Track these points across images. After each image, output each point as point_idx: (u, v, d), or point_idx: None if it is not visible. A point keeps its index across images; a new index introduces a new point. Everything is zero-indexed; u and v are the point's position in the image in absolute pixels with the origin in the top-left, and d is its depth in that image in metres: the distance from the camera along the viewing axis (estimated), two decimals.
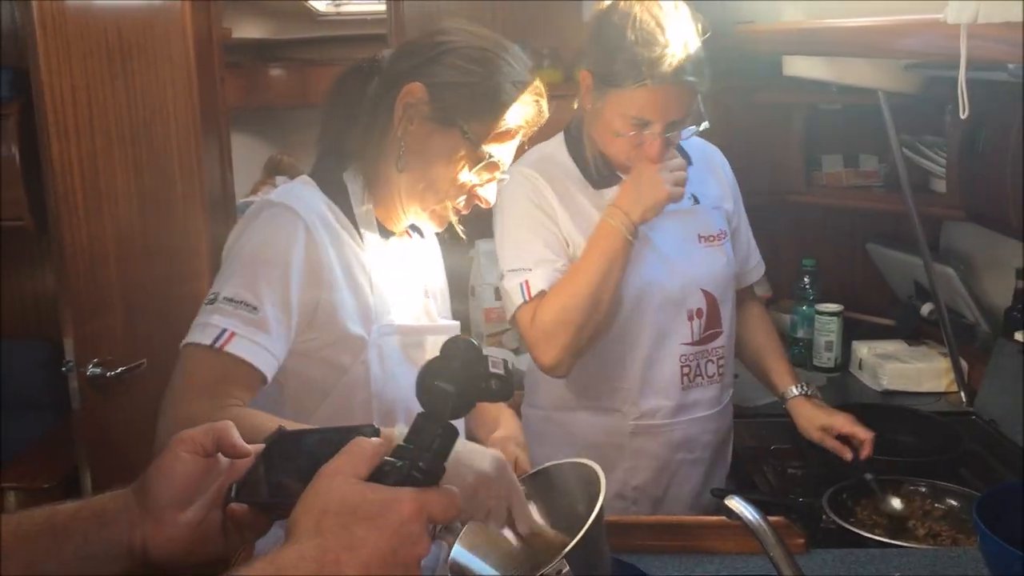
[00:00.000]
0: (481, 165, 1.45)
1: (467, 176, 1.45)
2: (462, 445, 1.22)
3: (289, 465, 0.88)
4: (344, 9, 5.88)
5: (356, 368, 1.44)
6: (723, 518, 1.69)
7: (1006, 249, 2.42)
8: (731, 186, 2.04)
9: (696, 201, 1.94)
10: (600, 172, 1.86)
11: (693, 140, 2.01)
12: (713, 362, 1.92)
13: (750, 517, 1.30)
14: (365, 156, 1.49)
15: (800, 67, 2.17)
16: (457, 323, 1.60)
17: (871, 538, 1.68)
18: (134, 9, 2.52)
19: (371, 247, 1.48)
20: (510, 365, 0.87)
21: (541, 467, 1.37)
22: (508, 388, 0.85)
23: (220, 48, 3.53)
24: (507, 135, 1.46)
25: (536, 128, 1.50)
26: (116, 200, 2.41)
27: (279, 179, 6.20)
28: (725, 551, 1.60)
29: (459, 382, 0.82)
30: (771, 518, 1.30)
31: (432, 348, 1.52)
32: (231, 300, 1.31)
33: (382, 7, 5.71)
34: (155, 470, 0.90)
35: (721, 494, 1.93)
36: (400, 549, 0.75)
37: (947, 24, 1.31)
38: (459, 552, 1.31)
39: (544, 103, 1.48)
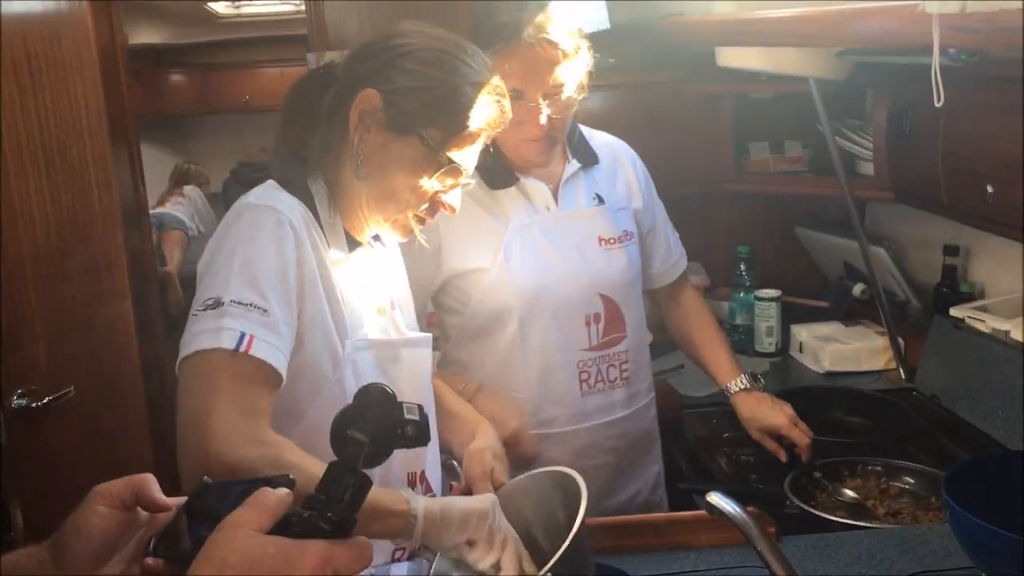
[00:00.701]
0: (442, 172, 1.40)
1: (429, 183, 1.40)
2: (460, 499, 1.25)
3: (212, 518, 0.84)
4: (245, 11, 5.72)
5: (331, 386, 1.39)
6: (693, 513, 1.70)
7: (930, 227, 2.49)
8: (642, 183, 2.01)
9: (600, 201, 1.92)
10: (495, 171, 1.82)
11: (601, 137, 2.01)
12: (616, 367, 1.90)
13: (732, 511, 1.31)
14: (325, 165, 1.44)
15: (734, 58, 2.19)
16: (429, 335, 1.56)
17: (836, 521, 1.71)
18: (38, 18, 2.38)
19: (339, 258, 1.43)
20: (425, 410, 0.87)
21: (519, 477, 1.35)
22: (424, 434, 0.85)
23: (124, 54, 3.40)
24: (468, 139, 1.41)
25: (500, 129, 1.46)
26: (33, 221, 2.28)
27: (187, 188, 6.03)
28: (699, 545, 1.60)
29: (372, 431, 0.81)
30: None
31: (408, 361, 1.49)
32: (239, 303, 1.25)
33: (285, 8, 5.62)
34: (71, 526, 0.87)
35: (691, 490, 1.94)
36: None
37: (891, 11, 1.33)
38: (441, 565, 1.29)
39: (507, 103, 1.44)
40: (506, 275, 1.81)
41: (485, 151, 1.80)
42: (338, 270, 1.41)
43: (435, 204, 1.44)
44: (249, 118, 6.59)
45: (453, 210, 1.45)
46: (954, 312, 2.20)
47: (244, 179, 5.92)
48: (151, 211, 4.72)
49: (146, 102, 6.00)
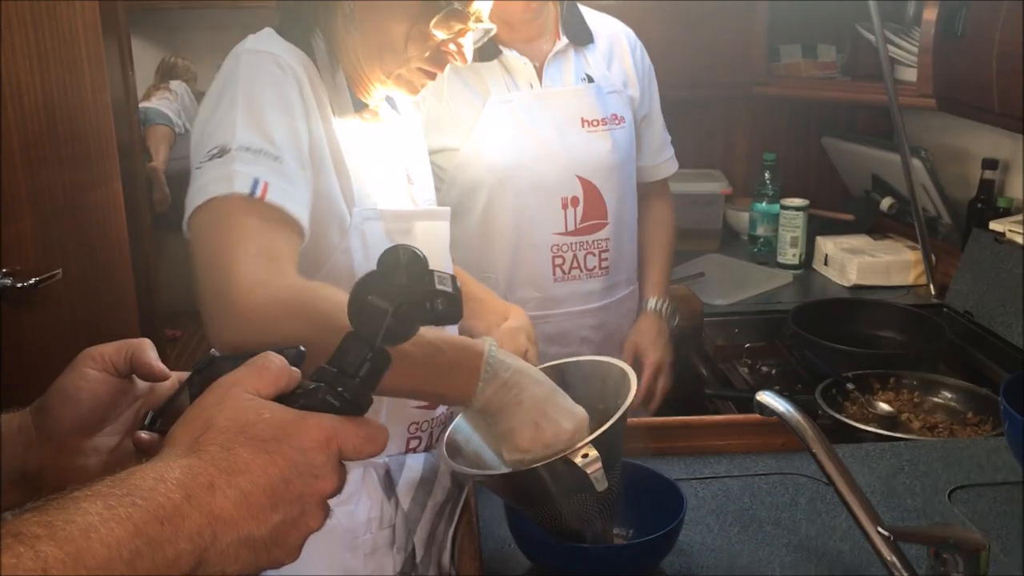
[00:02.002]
0: (443, 15, 1.22)
1: (430, 30, 1.23)
2: (556, 395, 1.07)
3: None
4: None
5: (337, 256, 1.27)
6: (728, 417, 1.62)
7: (965, 139, 2.39)
8: (640, 72, 1.90)
9: (589, 80, 1.81)
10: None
11: (604, 19, 1.90)
12: (595, 255, 1.81)
13: (785, 411, 1.22)
14: (322, 17, 1.29)
15: None
16: (447, 208, 1.43)
17: (872, 432, 1.63)
18: None
19: (345, 120, 1.29)
20: (459, 283, 0.75)
21: (559, 361, 1.24)
22: (456, 309, 0.73)
23: None
24: None
25: None
26: (20, 92, 2.13)
27: (173, 83, 5.81)
28: (731, 451, 1.52)
29: (397, 300, 0.69)
30: None
31: (422, 235, 1.36)
32: (248, 148, 1.11)
33: None
34: (57, 389, 0.77)
35: (717, 396, 1.86)
36: (295, 481, 0.61)
37: None
38: (461, 426, 1.17)
39: None
40: (478, 151, 1.72)
41: None
42: (344, 132, 1.27)
43: (442, 54, 1.27)
44: (238, 13, 6.34)
45: (465, 60, 1.29)
46: (994, 225, 2.10)
47: None
48: (139, 105, 4.55)
49: None
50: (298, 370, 0.68)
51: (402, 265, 0.71)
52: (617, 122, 1.82)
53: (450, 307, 0.73)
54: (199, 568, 0.57)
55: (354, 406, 0.67)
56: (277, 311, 1.01)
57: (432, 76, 1.30)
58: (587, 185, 1.78)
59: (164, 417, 0.76)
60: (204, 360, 0.76)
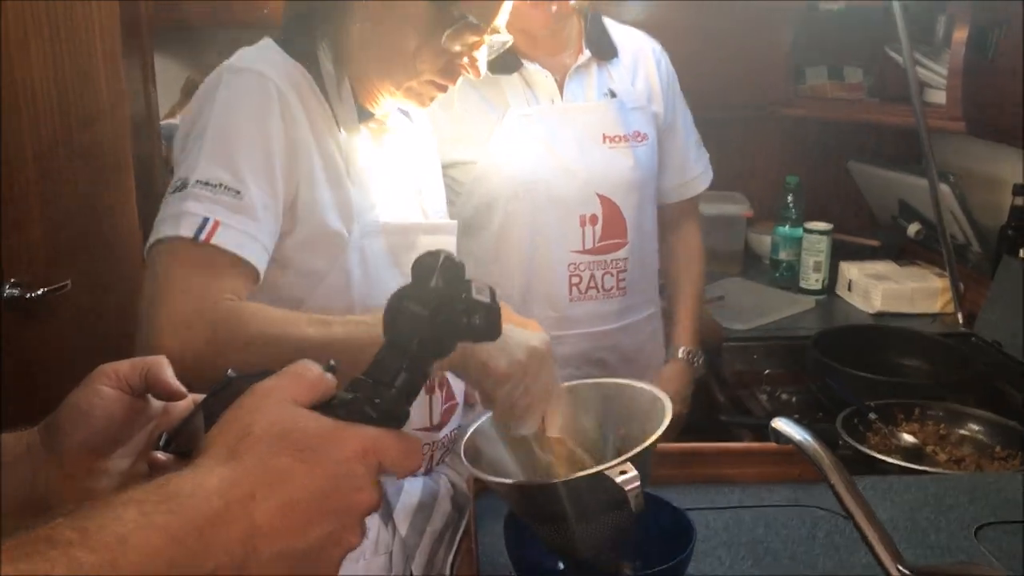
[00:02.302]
0: (456, 29, 1.19)
1: (443, 43, 1.20)
2: (511, 326, 1.04)
3: None
4: None
5: (334, 274, 1.23)
6: (745, 445, 1.57)
7: (996, 165, 2.32)
8: (664, 85, 1.85)
9: (612, 95, 1.76)
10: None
11: (627, 32, 1.85)
12: (612, 275, 1.76)
13: (802, 439, 1.16)
14: (330, 25, 1.25)
15: None
16: (454, 222, 1.39)
17: (896, 464, 1.56)
18: None
19: (349, 130, 1.26)
20: (497, 294, 0.70)
21: (580, 382, 1.18)
22: (495, 324, 0.69)
23: None
24: None
25: None
26: (35, 98, 2.12)
27: None
28: (746, 480, 1.46)
29: (433, 304, 0.66)
30: None
31: (426, 250, 1.32)
32: (207, 184, 1.09)
33: None
34: (69, 406, 0.74)
35: (733, 423, 1.81)
36: (334, 493, 0.59)
37: None
38: (485, 428, 1.10)
39: None
40: (496, 165, 1.68)
41: None
42: (347, 144, 1.24)
43: (455, 68, 1.24)
44: (266, 34, 6.38)
45: (479, 74, 1.26)
46: None
47: None
48: (162, 121, 4.54)
49: (159, 8, 5.77)
50: (334, 379, 0.65)
51: (437, 269, 0.68)
52: (639, 139, 1.78)
53: (489, 322, 0.69)
54: None
55: (391, 417, 0.64)
56: (186, 362, 0.98)
57: (443, 88, 1.27)
58: (606, 203, 1.73)
59: (179, 439, 0.74)
60: (221, 381, 0.73)
